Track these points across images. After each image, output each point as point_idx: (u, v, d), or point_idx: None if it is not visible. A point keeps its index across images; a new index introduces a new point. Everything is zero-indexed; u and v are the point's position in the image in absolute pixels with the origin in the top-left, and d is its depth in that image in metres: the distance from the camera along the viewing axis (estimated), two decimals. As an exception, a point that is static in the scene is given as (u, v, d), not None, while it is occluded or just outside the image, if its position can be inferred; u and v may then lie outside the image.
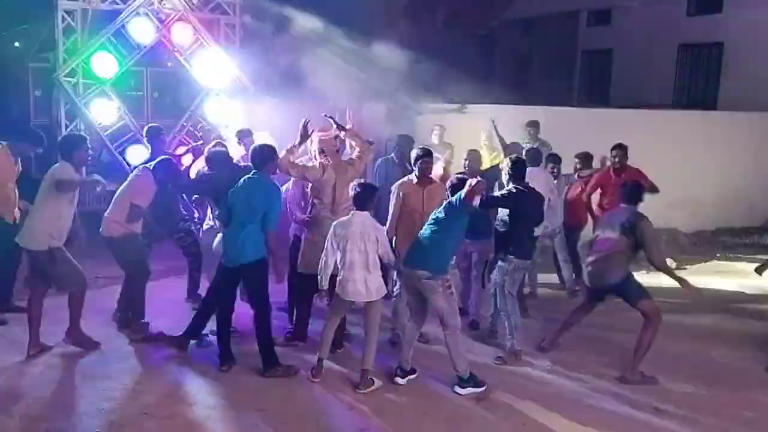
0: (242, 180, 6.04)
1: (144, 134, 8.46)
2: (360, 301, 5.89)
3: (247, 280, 6.17)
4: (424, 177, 6.70)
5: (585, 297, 6.98)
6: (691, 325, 7.80)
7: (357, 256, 5.76)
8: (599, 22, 20.59)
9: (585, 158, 8.97)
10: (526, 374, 6.39)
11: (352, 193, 5.93)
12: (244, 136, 8.33)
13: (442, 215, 5.86)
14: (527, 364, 6.56)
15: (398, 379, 5.99)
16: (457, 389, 5.88)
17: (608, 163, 8.74)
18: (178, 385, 5.87)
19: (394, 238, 6.63)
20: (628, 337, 6.59)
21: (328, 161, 6.52)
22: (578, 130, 10.77)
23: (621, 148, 8.57)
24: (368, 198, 5.91)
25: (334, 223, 5.96)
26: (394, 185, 6.84)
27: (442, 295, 5.80)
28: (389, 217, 6.70)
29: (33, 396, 5.59)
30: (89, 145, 6.72)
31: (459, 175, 6.19)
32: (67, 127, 10.36)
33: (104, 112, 10.49)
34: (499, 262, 6.60)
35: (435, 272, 5.77)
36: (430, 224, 5.90)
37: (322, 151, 6.57)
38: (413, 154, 6.89)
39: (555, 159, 8.65)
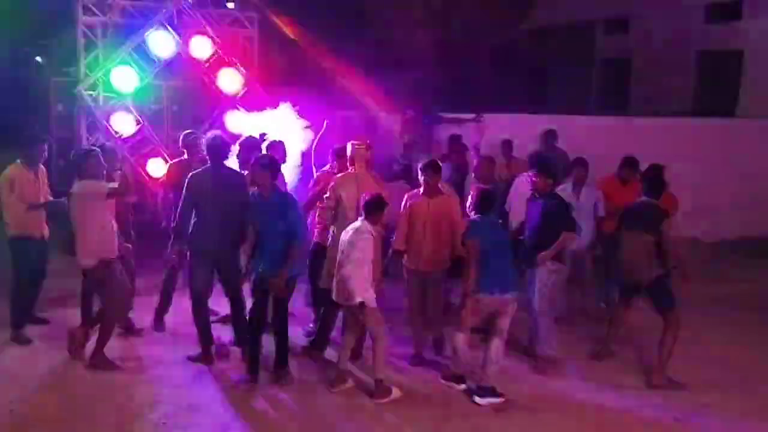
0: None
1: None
2: (345, 303, 5.91)
3: None
4: (430, 189, 6.60)
5: (620, 294, 6.95)
6: (718, 329, 7.79)
7: (344, 257, 5.84)
8: (617, 30, 20.50)
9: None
10: (543, 381, 6.37)
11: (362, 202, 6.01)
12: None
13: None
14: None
15: (477, 399, 5.91)
16: (477, 399, 5.87)
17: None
18: (196, 396, 5.90)
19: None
20: (646, 341, 6.56)
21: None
22: (596, 139, 10.72)
23: (630, 166, 8.19)
24: (376, 208, 5.94)
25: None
26: (405, 197, 6.80)
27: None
28: (397, 230, 6.67)
29: (52, 406, 5.64)
30: (111, 157, 6.76)
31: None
32: (88, 140, 10.47)
33: (124, 125, 10.60)
34: (541, 267, 6.52)
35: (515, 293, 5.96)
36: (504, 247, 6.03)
37: (351, 160, 6.68)
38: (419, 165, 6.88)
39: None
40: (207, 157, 6.43)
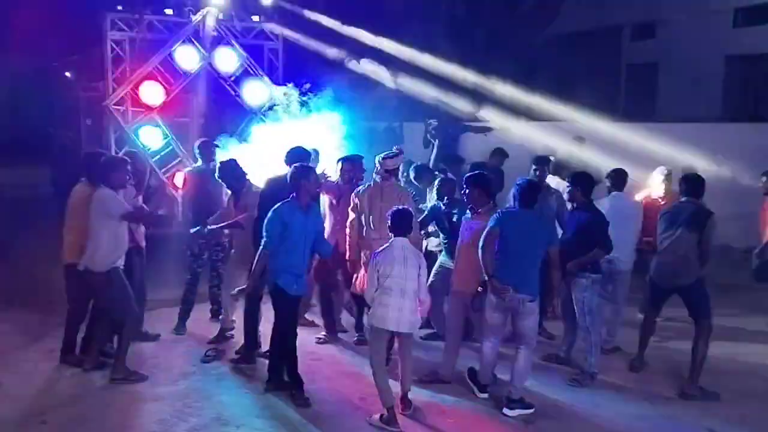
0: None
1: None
2: (396, 329, 5.63)
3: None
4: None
5: (649, 300, 6.86)
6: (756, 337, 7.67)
7: (395, 282, 5.55)
8: (643, 35, 20.36)
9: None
10: (573, 395, 6.28)
11: (388, 218, 5.75)
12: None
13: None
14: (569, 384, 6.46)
15: (506, 410, 5.80)
16: (506, 411, 5.80)
17: None
18: (226, 407, 5.89)
19: None
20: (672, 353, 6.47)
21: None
22: (625, 145, 10.61)
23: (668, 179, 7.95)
24: (403, 222, 5.69)
25: (377, 249, 5.82)
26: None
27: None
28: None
29: (85, 418, 5.68)
30: (142, 169, 6.85)
31: None
32: (116, 153, 10.59)
33: (152, 138, 10.70)
34: (577, 279, 6.40)
35: (536, 294, 5.83)
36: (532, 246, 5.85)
37: (387, 171, 6.79)
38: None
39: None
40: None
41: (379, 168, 6.88)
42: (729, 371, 6.60)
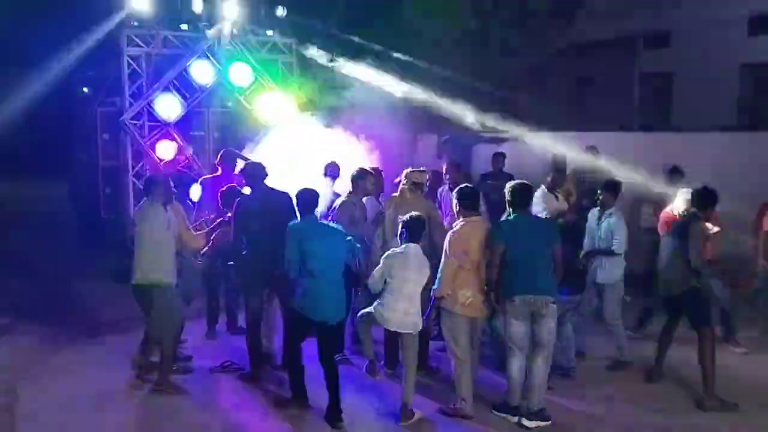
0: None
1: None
2: (401, 331, 5.82)
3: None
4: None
5: (664, 311, 6.92)
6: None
7: (404, 286, 5.72)
8: (658, 44, 20.30)
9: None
10: (586, 408, 6.25)
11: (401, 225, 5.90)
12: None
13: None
14: (587, 396, 6.42)
15: (525, 422, 5.77)
16: (525, 422, 5.75)
17: None
18: (243, 420, 5.92)
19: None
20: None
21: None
22: (639, 155, 10.57)
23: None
24: (418, 229, 5.85)
25: (387, 252, 5.94)
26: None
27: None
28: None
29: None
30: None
31: None
32: (133, 168, 10.68)
33: (169, 153, 10.78)
34: None
35: (555, 295, 5.80)
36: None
37: (414, 184, 6.86)
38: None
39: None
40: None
41: (405, 181, 6.95)
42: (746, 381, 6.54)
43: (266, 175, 6.69)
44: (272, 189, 6.67)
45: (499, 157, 10.61)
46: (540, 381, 5.80)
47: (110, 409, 6.11)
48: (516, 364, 5.83)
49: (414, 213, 5.94)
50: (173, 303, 6.34)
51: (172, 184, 6.52)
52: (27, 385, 6.53)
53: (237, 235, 6.50)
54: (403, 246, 5.82)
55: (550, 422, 5.75)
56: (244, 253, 6.58)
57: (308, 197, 5.94)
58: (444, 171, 8.92)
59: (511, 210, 5.92)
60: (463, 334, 5.92)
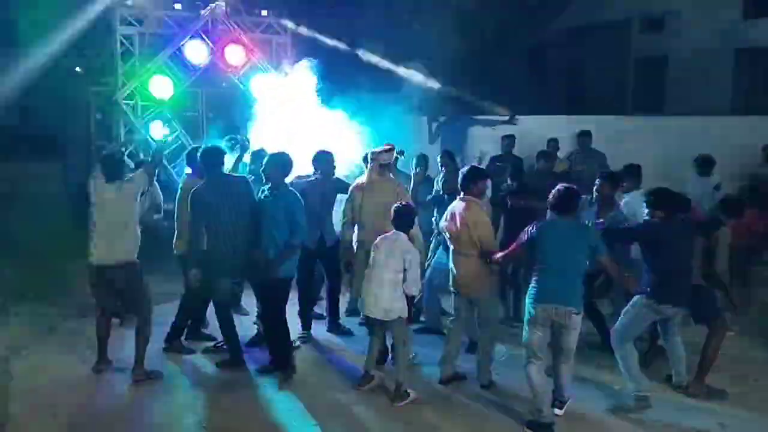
0: None
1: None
2: (370, 316, 5.93)
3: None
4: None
5: None
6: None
7: (377, 272, 5.82)
8: (652, 29, 20.25)
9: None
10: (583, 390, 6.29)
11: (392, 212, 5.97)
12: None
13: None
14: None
15: (557, 411, 5.63)
16: (557, 411, 5.64)
17: None
18: (236, 400, 5.95)
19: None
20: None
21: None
22: (633, 140, 10.59)
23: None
24: (406, 218, 5.91)
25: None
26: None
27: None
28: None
29: (95, 412, 5.74)
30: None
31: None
32: (126, 148, 10.63)
33: (161, 133, 10.75)
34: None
35: (581, 307, 5.52)
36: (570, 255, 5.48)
37: (381, 166, 6.75)
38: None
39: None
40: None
41: (371, 163, 6.82)
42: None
43: (222, 161, 6.45)
44: (227, 175, 6.50)
45: (507, 139, 10.66)
46: (565, 384, 5.63)
47: (102, 389, 6.14)
48: (534, 369, 5.52)
49: (403, 203, 6.06)
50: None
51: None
52: (21, 365, 6.53)
53: (196, 228, 6.31)
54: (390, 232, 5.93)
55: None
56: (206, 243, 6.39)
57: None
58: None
59: (554, 213, 5.61)
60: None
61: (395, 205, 6.00)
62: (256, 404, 5.87)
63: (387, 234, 5.93)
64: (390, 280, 5.78)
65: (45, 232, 11.59)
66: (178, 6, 11.23)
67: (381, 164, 6.76)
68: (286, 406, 5.82)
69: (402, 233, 5.88)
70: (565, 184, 5.67)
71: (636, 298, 5.92)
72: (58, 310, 8.02)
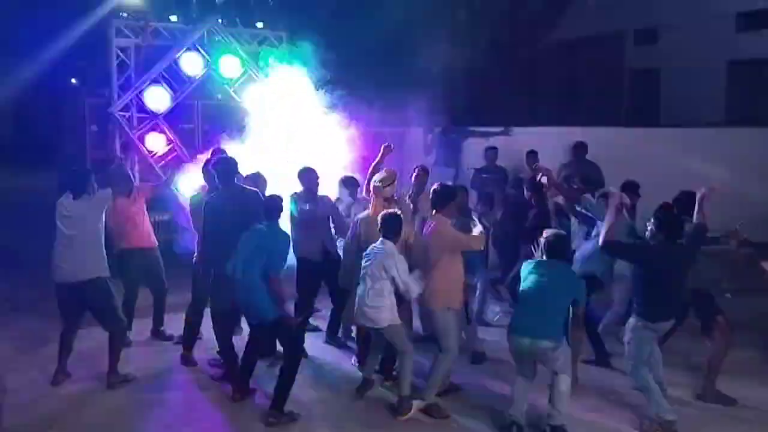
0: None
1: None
2: (367, 326, 5.99)
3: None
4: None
5: None
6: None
7: (369, 282, 5.84)
8: (646, 41, 20.36)
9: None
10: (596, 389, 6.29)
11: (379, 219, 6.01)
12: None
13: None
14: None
15: None
16: None
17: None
18: (231, 413, 5.93)
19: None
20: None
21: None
22: (627, 151, 10.64)
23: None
24: (392, 226, 5.92)
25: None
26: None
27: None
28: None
29: (91, 425, 5.72)
30: None
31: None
32: (122, 159, 10.63)
33: (157, 145, 10.76)
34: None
35: (560, 340, 5.50)
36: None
37: (386, 200, 6.63)
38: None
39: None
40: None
41: (375, 197, 6.69)
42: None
43: (237, 171, 6.48)
44: (243, 188, 6.46)
45: (490, 151, 10.86)
46: (561, 394, 5.52)
47: (98, 401, 6.12)
48: (518, 382, 5.67)
49: (390, 210, 6.07)
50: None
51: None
52: (15, 376, 6.51)
53: (206, 237, 6.41)
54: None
55: None
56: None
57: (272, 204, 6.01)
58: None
59: (542, 255, 5.68)
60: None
61: (383, 213, 6.03)
62: (252, 414, 5.87)
63: (375, 243, 5.95)
64: (374, 289, 5.80)
65: (39, 243, 11.56)
66: (174, 18, 11.27)
67: (386, 198, 6.65)
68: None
69: (388, 241, 5.88)
70: (556, 231, 5.80)
71: (631, 322, 5.90)
72: (50, 322, 7.98)
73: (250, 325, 6.13)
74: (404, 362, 5.95)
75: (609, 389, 6.45)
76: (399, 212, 6.05)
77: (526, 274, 5.64)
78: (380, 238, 5.94)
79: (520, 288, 5.64)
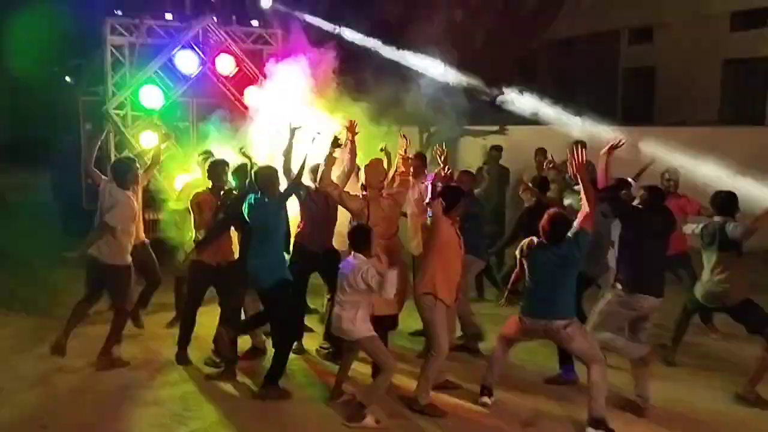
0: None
1: None
2: (343, 337, 5.90)
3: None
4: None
5: (690, 311, 6.92)
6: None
7: (341, 296, 5.81)
8: (641, 39, 20.41)
9: None
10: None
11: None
12: None
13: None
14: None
15: (590, 429, 5.53)
16: (590, 429, 5.54)
17: None
18: (226, 412, 5.93)
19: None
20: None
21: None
22: (622, 149, 10.62)
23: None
24: (359, 238, 5.83)
25: None
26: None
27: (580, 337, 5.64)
28: None
29: (85, 422, 5.71)
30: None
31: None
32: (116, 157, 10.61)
33: (152, 143, 10.71)
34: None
35: (572, 316, 5.67)
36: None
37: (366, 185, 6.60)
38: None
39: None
40: None
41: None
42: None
43: (278, 181, 6.39)
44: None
45: (494, 150, 10.95)
46: (598, 385, 5.52)
47: (92, 398, 6.11)
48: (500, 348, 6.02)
49: (355, 223, 6.20)
50: None
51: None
52: (9, 375, 6.50)
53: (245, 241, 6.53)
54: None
55: None
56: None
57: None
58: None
59: (544, 239, 5.69)
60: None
61: (351, 225, 6.17)
62: (251, 414, 5.86)
63: (348, 257, 5.87)
64: (346, 301, 5.74)
65: (34, 241, 11.57)
66: (169, 16, 11.21)
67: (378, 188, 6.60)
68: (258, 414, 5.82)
69: (360, 255, 5.77)
70: (557, 210, 5.83)
71: (607, 296, 6.11)
72: (46, 319, 7.98)
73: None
74: (381, 376, 5.78)
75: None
76: (369, 225, 6.06)
77: (533, 259, 5.72)
78: (354, 251, 5.82)
79: (529, 273, 5.74)
